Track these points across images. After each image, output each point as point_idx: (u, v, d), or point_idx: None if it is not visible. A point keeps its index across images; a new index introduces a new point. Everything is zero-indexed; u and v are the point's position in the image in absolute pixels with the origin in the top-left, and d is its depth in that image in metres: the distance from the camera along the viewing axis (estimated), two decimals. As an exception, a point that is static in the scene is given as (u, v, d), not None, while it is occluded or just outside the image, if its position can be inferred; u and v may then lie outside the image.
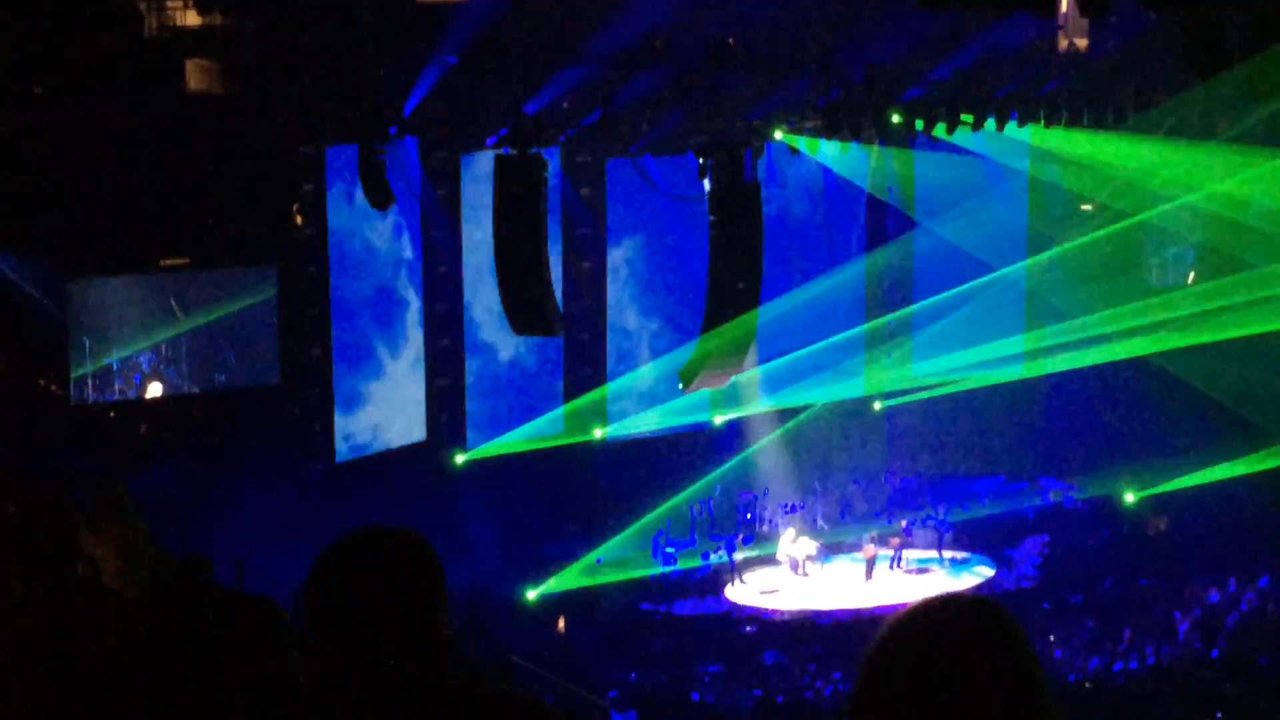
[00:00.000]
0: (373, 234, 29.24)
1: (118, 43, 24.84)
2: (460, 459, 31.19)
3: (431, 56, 26.25)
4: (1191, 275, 32.13)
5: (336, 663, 3.91)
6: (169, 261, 26.59)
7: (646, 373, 32.95)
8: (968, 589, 30.48)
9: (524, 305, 25.35)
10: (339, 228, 28.46)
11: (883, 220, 35.14)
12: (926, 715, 3.16)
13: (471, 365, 31.40)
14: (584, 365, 32.71)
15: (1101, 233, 31.96)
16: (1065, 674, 25.51)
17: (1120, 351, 32.35)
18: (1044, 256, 33.55)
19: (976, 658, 3.17)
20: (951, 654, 3.17)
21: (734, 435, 34.20)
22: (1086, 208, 33.22)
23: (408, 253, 30.18)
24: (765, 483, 33.76)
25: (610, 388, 32.89)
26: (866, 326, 34.64)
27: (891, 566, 31.41)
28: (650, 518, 32.19)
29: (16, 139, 23.63)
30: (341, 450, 29.02)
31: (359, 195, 26.92)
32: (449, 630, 3.97)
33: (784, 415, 34.12)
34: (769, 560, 31.90)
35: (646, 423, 33.04)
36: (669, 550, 31.57)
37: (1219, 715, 22.59)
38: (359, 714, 3.90)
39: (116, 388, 25.91)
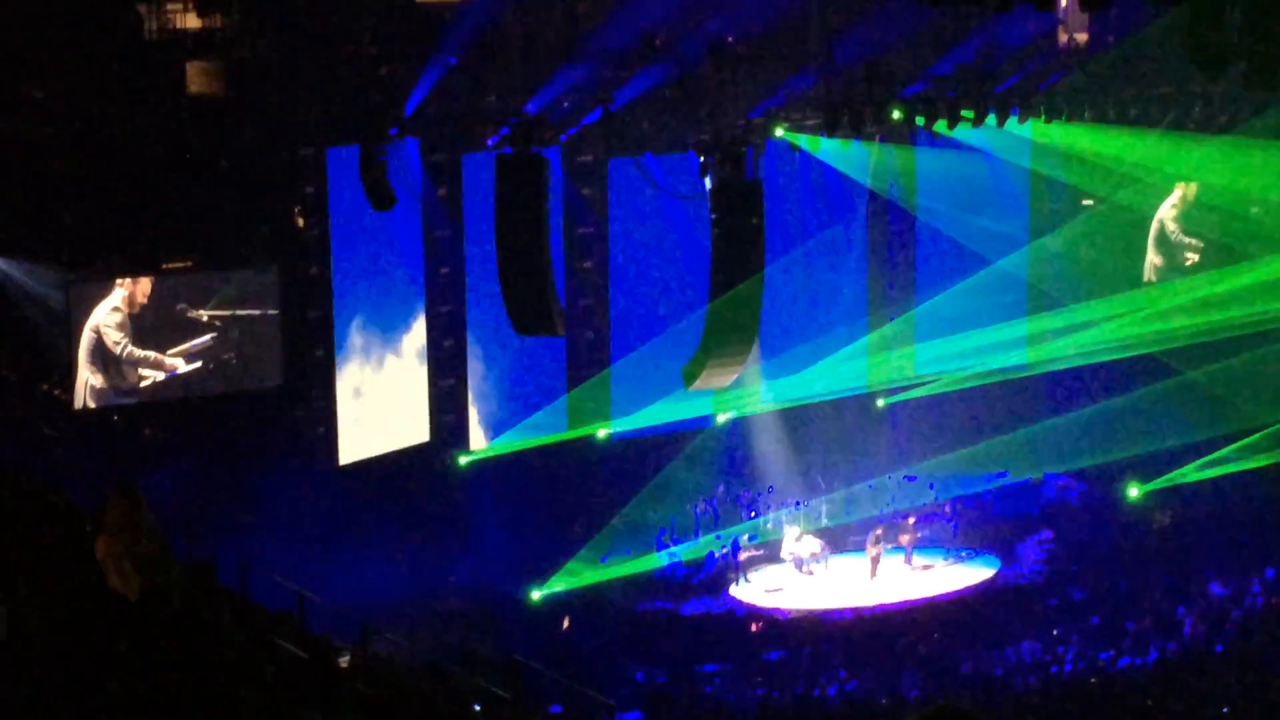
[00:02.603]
0: (375, 236, 29.23)
1: (118, 45, 24.88)
2: (464, 460, 31.18)
3: (432, 57, 26.27)
4: (1190, 258, 32.08)
5: None
6: (172, 264, 26.60)
7: (650, 372, 32.88)
8: (974, 581, 30.56)
9: (526, 305, 25.33)
10: (341, 229, 28.45)
11: (885, 217, 35.12)
12: None
13: (474, 366, 31.37)
14: (587, 365, 32.67)
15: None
16: (1071, 669, 25.51)
17: (1120, 340, 32.34)
18: (1044, 246, 33.59)
19: None
20: None
21: (737, 433, 34.18)
22: (1088, 202, 33.22)
23: (410, 254, 30.18)
24: (769, 481, 33.72)
25: (613, 387, 32.85)
26: (869, 322, 34.60)
27: (903, 561, 31.41)
28: (654, 517, 32.18)
29: (18, 143, 23.67)
30: (346, 452, 28.99)
31: (361, 197, 26.88)
32: None
33: (787, 412, 34.11)
34: (774, 559, 31.89)
35: (649, 421, 32.98)
36: (673, 550, 31.53)
37: (1225, 710, 22.59)
38: None
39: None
